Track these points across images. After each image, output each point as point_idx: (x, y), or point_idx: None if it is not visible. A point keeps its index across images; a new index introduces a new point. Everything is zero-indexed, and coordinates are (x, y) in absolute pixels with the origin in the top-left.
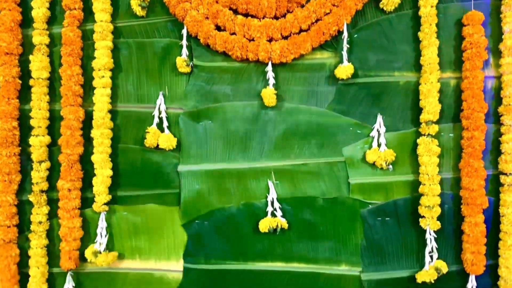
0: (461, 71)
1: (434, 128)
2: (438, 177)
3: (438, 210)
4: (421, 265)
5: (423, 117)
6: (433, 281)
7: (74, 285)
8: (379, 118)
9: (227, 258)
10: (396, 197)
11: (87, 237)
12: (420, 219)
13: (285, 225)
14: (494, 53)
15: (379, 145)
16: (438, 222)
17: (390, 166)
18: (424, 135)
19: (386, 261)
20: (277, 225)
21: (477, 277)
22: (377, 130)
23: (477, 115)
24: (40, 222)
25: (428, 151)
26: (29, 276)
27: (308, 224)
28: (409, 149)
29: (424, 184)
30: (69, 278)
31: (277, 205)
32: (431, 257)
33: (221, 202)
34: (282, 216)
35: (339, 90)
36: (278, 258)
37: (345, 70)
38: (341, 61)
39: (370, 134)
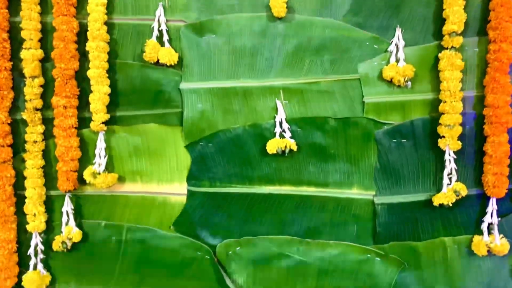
0: None
1: (458, 40)
2: (460, 93)
3: (459, 130)
4: (439, 189)
5: (446, 28)
6: (450, 204)
7: (73, 207)
8: (398, 31)
9: (233, 181)
10: (414, 117)
11: (86, 159)
12: (439, 140)
13: (294, 147)
14: None
15: (397, 61)
16: (459, 142)
17: (409, 83)
18: (447, 48)
19: (401, 185)
20: (285, 146)
21: (498, 201)
22: (396, 44)
23: (506, 25)
24: (35, 142)
25: (451, 66)
26: (25, 198)
27: (318, 146)
28: (430, 65)
29: (445, 102)
30: (67, 200)
31: (285, 126)
32: (450, 179)
33: (226, 123)
34: (291, 138)
35: None
36: (286, 181)
37: None
38: None
39: (388, 49)
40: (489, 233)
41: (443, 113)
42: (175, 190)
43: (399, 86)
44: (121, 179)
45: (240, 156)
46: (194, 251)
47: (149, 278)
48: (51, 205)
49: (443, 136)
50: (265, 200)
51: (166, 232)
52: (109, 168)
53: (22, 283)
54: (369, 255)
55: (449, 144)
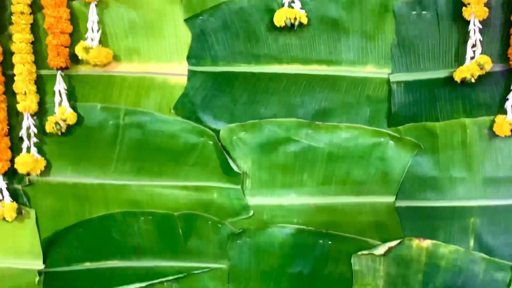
0: None
1: None
2: None
3: None
4: (461, 65)
5: None
6: (473, 80)
7: (66, 87)
8: None
9: (237, 59)
10: None
11: (78, 36)
12: (463, 8)
13: (304, 19)
14: None
15: None
16: (486, 9)
17: None
18: None
19: (419, 61)
20: (295, 18)
21: None
22: None
23: None
24: (22, 13)
25: None
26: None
27: (330, 19)
28: None
29: None
30: (59, 78)
31: None
32: (474, 52)
33: None
34: (301, 9)
35: None
36: (295, 60)
37: None
38: None
39: None
40: None
41: None
42: (174, 70)
43: None
44: (116, 58)
45: (245, 32)
46: (196, 135)
47: (149, 164)
48: (43, 87)
49: (468, 4)
50: (272, 80)
51: (166, 116)
52: (103, 45)
53: (15, 166)
54: (382, 138)
55: (475, 11)
